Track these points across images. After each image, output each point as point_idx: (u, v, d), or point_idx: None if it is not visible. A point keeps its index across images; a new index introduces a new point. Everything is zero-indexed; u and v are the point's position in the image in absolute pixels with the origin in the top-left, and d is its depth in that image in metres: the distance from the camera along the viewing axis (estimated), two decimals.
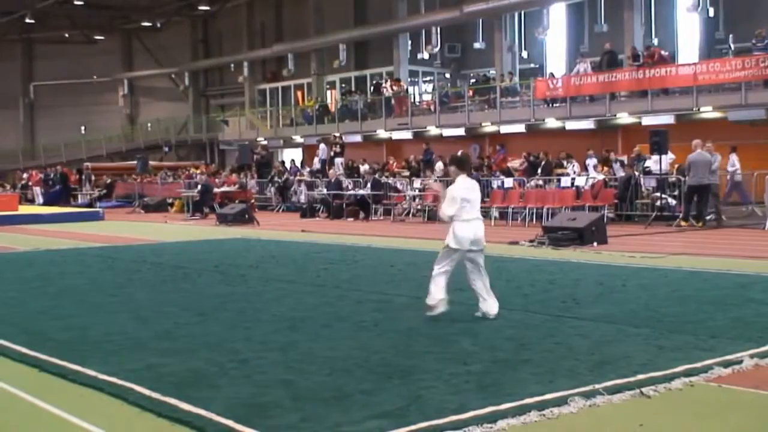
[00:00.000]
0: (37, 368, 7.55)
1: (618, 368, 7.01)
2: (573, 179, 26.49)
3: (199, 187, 33.58)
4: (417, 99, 41.48)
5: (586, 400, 6.11)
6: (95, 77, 61.13)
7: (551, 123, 32.25)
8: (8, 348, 8.35)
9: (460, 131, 35.33)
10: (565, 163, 28.29)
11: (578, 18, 37.74)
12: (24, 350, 8.20)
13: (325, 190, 31.66)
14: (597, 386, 6.39)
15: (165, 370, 7.29)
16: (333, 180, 31.46)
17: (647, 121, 28.87)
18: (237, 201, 31.66)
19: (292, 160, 40.90)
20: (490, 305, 9.46)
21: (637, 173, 24.63)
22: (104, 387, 6.77)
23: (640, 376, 6.71)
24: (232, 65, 53.71)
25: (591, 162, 27.11)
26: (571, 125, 31.57)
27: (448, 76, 43.37)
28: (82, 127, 61.50)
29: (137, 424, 5.92)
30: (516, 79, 36.65)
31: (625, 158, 27.27)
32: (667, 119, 28.34)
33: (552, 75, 34.03)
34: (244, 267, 15.28)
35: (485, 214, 25.59)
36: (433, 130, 36.39)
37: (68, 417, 6.09)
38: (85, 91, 61.34)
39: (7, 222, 28.79)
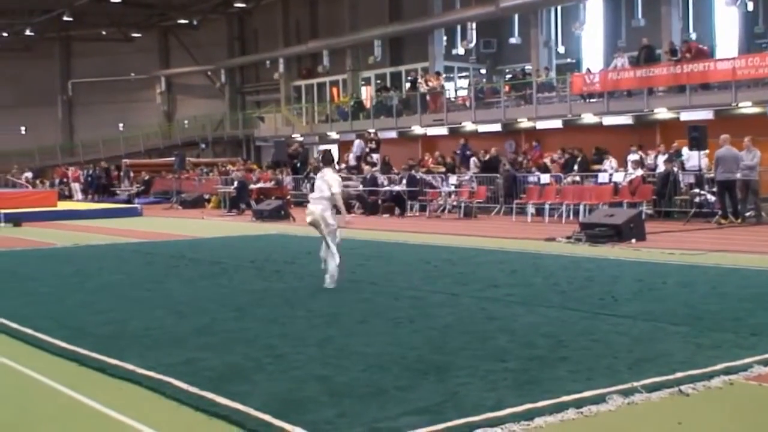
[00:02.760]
0: (76, 362, 7.63)
1: (657, 366, 6.96)
2: (611, 175, 26.31)
3: (236, 183, 33.73)
4: (452, 95, 41.36)
5: (625, 398, 6.07)
6: (133, 74, 61.53)
7: (588, 118, 32.01)
8: (48, 342, 8.45)
9: (496, 127, 35.18)
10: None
11: (615, 12, 37.43)
12: (63, 344, 8.28)
13: (360, 186, 31.69)
14: (635, 384, 6.34)
15: (203, 364, 7.34)
16: (368, 176, 31.48)
17: (686, 116, 28.57)
18: (273, 197, 31.76)
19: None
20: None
21: (675, 169, 24.42)
22: (142, 381, 6.83)
23: (679, 374, 6.65)
24: (268, 62, 53.85)
25: (632, 158, 26.87)
26: (609, 120, 31.32)
27: (483, 71, 43.17)
28: (120, 124, 61.98)
29: (175, 418, 5.96)
30: (552, 74, 36.40)
31: (660, 153, 26.95)
32: (706, 114, 28.02)
33: (589, 70, 33.77)
34: (280, 263, 15.34)
35: (521, 210, 25.58)
36: (468, 126, 36.25)
37: (107, 411, 6.14)
38: (122, 88, 61.75)
39: (46, 218, 29.04)
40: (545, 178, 27.41)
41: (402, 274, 13.52)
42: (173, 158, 40.99)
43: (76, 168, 50.51)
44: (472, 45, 40.38)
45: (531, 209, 25.37)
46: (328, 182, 11.83)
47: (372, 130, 38.62)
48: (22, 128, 63.75)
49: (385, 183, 31.15)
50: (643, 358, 7.29)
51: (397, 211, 28.95)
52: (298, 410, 5.91)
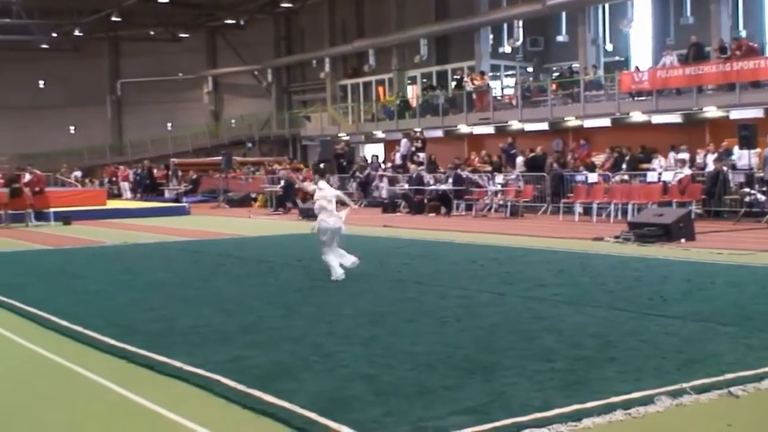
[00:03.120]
0: (125, 359, 7.72)
1: (706, 367, 6.89)
2: (659, 174, 26.06)
3: (282, 182, 33.89)
4: (499, 93, 41.20)
5: (673, 400, 6.02)
6: (180, 74, 62.06)
7: (636, 117, 31.73)
8: (97, 339, 8.55)
9: (543, 126, 35.00)
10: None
11: (664, 10, 37.04)
12: (113, 342, 8.38)
13: (406, 185, 31.68)
14: (684, 385, 6.29)
15: (250, 362, 7.39)
16: (414, 175, 31.47)
17: (735, 114, 28.21)
18: None
19: (374, 155, 41.00)
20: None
21: (725, 168, 24.12)
22: (190, 378, 6.89)
23: (729, 376, 6.58)
24: (314, 62, 54.06)
25: (681, 157, 26.58)
26: (657, 119, 31.04)
27: (530, 69, 42.96)
28: (168, 124, 62.57)
29: (223, 416, 6.01)
30: (600, 72, 36.11)
31: (709, 152, 26.62)
32: (756, 113, 27.63)
33: (637, 68, 33.48)
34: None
35: (568, 209, 25.42)
36: (515, 125, 36.11)
37: (155, 408, 6.21)
38: (170, 88, 62.30)
39: (95, 216, 29.41)
40: (593, 176, 27.21)
41: (448, 273, 13.51)
42: (220, 157, 41.29)
43: (125, 167, 51.05)
44: (519, 43, 40.23)
45: (578, 208, 25.19)
46: (328, 195, 12.90)
47: (418, 129, 38.59)
48: (72, 128, 64.58)
49: (431, 182, 31.10)
50: (692, 358, 7.22)
51: (443, 210, 28.89)
52: (344, 409, 5.93)
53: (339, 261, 12.71)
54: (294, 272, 13.89)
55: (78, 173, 51.07)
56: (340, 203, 13.19)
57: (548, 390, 6.30)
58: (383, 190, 34.30)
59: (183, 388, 6.72)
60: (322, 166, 11.62)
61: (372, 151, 44.40)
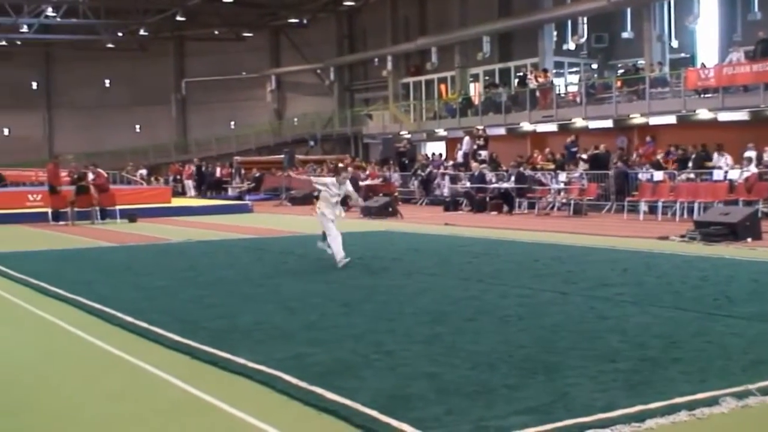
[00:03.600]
0: (189, 355, 7.81)
1: None
2: (726, 172, 25.66)
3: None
4: (562, 90, 40.88)
5: (739, 401, 5.93)
6: (244, 73, 62.64)
7: (703, 114, 31.28)
8: (162, 335, 8.67)
9: (608, 123, 34.65)
10: (715, 155, 27.43)
11: (730, 6, 36.43)
12: (177, 338, 8.49)
13: (468, 184, 31.61)
14: (750, 387, 6.19)
15: (312, 359, 7.43)
16: (476, 173, 31.38)
17: None
18: (381, 194, 31.93)
19: (436, 153, 40.93)
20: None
21: None
22: (253, 375, 6.96)
23: None
24: (376, 60, 54.16)
25: (748, 155, 26.13)
26: (724, 116, 30.55)
27: (594, 66, 42.57)
28: (232, 122, 63.20)
29: (285, 412, 6.05)
30: (666, 69, 35.67)
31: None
32: None
33: (703, 65, 32.98)
34: (387, 259, 15.42)
35: (633, 208, 25.15)
36: (579, 122, 35.81)
37: (218, 403, 6.28)
38: (234, 87, 62.92)
39: (161, 214, 29.88)
40: (658, 175, 26.88)
41: (510, 271, 13.46)
42: (282, 155, 41.56)
43: (189, 165, 51.65)
44: (583, 40, 39.90)
45: (643, 207, 24.91)
46: (344, 190, 15.52)
47: (480, 127, 38.48)
48: (137, 126, 65.60)
49: (494, 180, 31.00)
50: (759, 360, 7.10)
51: (505, 208, 28.79)
52: (405, 407, 5.93)
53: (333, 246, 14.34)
54: (355, 270, 13.94)
55: (143, 171, 51.85)
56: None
57: (612, 390, 6.25)
58: (445, 188, 34.27)
59: (245, 385, 6.78)
60: (340, 165, 13.66)
61: (433, 149, 44.35)
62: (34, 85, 66.62)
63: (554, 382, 6.51)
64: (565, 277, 12.62)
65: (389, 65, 51.68)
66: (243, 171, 46.49)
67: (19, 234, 23.44)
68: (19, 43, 60.70)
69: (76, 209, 27.15)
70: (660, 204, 24.49)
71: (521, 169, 30.15)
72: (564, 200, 28.13)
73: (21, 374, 7.49)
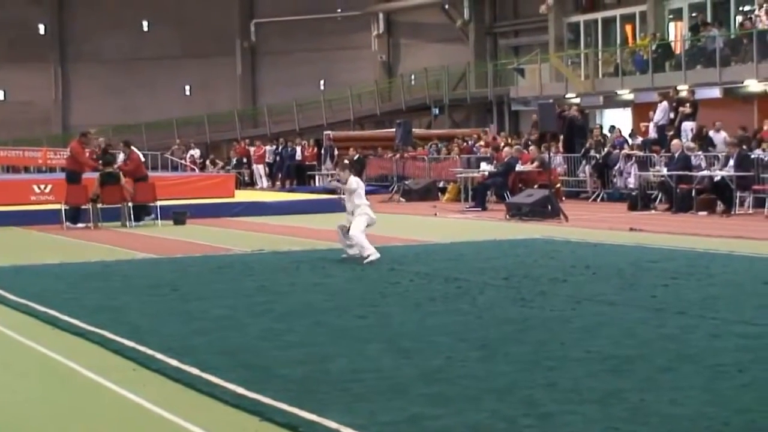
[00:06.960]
0: (258, 416, 7.88)
1: None
2: None
3: (498, 167, 33.80)
4: None
5: None
6: (339, 10, 62.84)
7: None
8: (221, 387, 8.74)
9: None
10: None
11: None
12: (241, 390, 8.57)
13: (665, 170, 31.25)
14: None
15: (434, 424, 7.45)
16: (677, 155, 31.00)
17: None
18: (536, 185, 31.74)
19: (613, 127, 40.58)
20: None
21: None
22: None
23: None
24: None
25: None
26: None
27: None
28: (321, 82, 63.48)
29: None
30: None
31: None
32: None
33: None
34: (545, 281, 15.36)
35: None
36: None
37: None
38: (325, 31, 63.11)
39: (220, 212, 30.29)
40: None
41: (726, 300, 13.27)
42: (394, 130, 41.71)
43: (260, 144, 51.93)
44: None
45: None
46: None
47: (683, 87, 38.01)
48: (187, 87, 66.08)
49: (703, 165, 30.59)
50: None
51: (719, 206, 28.39)
52: None
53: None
54: (498, 296, 13.92)
55: (195, 152, 52.66)
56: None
57: None
58: (630, 177, 33.97)
59: None
60: (356, 158, 14.33)
61: (614, 119, 43.98)
62: (41, 28, 67.43)
63: None
64: None
65: None
66: (337, 152, 46.69)
67: (21, 241, 24.04)
68: None
69: (100, 206, 27.46)
70: None
71: (744, 148, 29.68)
72: None
73: None
